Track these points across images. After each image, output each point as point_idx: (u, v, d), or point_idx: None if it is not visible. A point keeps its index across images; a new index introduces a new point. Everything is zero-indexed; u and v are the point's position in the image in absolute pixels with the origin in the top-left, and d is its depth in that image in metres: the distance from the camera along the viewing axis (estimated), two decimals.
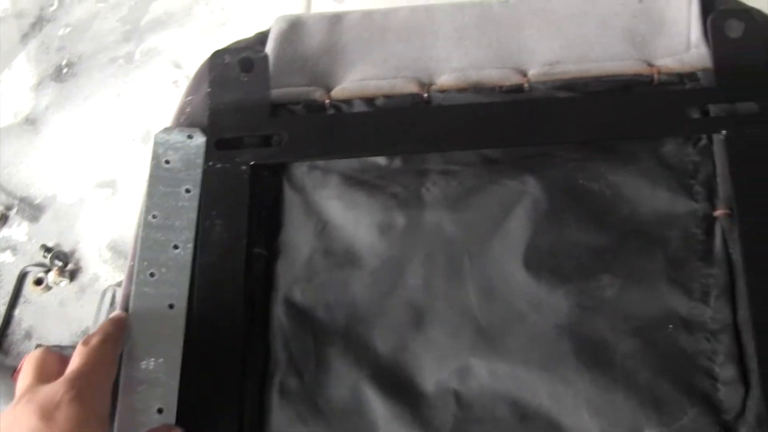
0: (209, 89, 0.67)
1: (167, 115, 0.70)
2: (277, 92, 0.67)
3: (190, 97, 0.70)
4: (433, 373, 0.59)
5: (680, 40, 0.66)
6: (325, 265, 0.63)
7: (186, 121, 0.68)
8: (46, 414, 0.50)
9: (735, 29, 0.62)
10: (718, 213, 0.60)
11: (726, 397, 0.55)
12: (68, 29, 1.53)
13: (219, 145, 0.65)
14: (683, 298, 0.58)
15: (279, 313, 0.62)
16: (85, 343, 0.55)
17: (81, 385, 0.52)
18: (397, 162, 0.65)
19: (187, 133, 0.65)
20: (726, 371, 0.56)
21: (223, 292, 0.61)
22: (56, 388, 0.51)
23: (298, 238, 0.64)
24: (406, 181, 0.64)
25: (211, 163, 0.64)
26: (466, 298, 0.60)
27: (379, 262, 0.62)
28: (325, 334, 0.61)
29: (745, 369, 0.56)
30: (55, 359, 0.55)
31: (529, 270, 0.60)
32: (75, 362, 0.54)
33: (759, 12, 0.65)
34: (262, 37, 0.73)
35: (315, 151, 0.65)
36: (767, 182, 0.59)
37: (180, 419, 0.58)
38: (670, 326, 0.57)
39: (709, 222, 0.60)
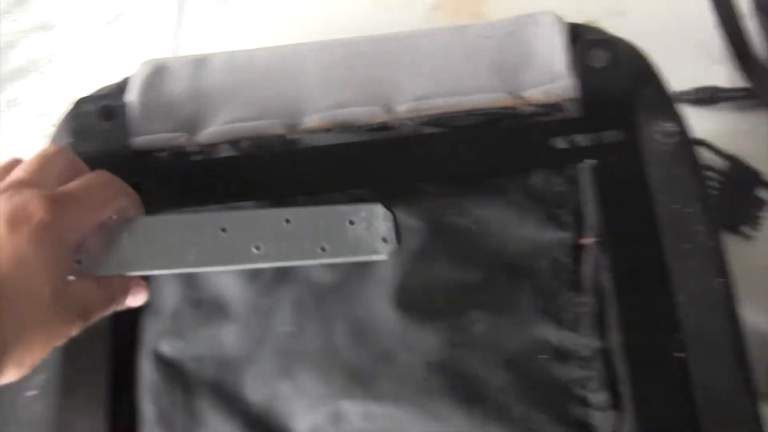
0: (71, 139, 0.65)
1: None
2: (140, 140, 0.65)
3: None
4: (306, 420, 0.58)
5: (547, 70, 0.67)
6: (193, 315, 0.61)
7: None
8: (14, 223, 0.47)
9: (599, 59, 0.63)
10: (586, 241, 0.60)
11: (600, 422, 0.56)
12: None
13: None
14: (554, 328, 0.58)
15: (147, 367, 0.60)
16: (99, 174, 0.53)
17: (61, 214, 0.49)
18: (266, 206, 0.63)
19: None
20: (599, 397, 0.56)
21: (87, 348, 0.59)
22: (36, 204, 0.48)
23: (164, 289, 0.62)
24: None
25: None
26: (336, 342, 0.59)
27: (247, 310, 0.61)
28: (196, 387, 0.59)
29: (618, 394, 0.56)
30: (67, 164, 0.54)
31: (398, 309, 0.59)
32: (74, 185, 0.52)
33: (622, 41, 0.66)
34: (126, 83, 0.71)
35: (180, 199, 0.63)
36: (633, 210, 0.60)
37: None
38: (542, 357, 0.58)
39: (578, 251, 0.60)
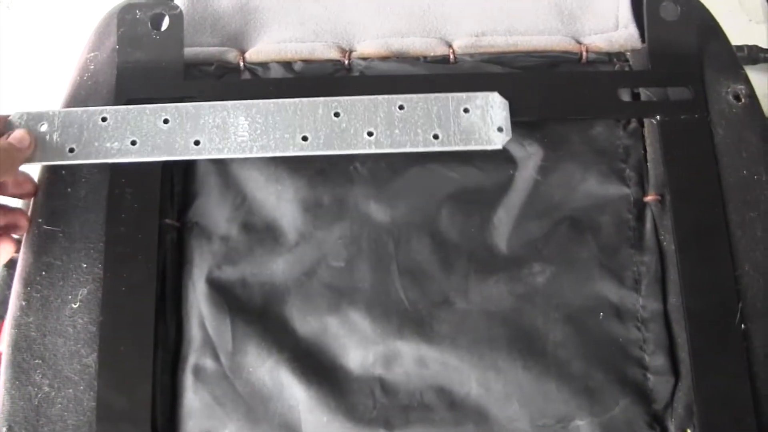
0: (117, 46, 0.62)
1: None
2: (189, 52, 0.63)
3: (93, 53, 0.64)
4: (356, 357, 0.56)
5: (608, 18, 0.65)
6: (243, 240, 0.59)
7: (90, 78, 0.62)
8: None
9: (670, 12, 0.62)
10: (648, 198, 0.59)
11: (656, 386, 0.55)
12: None
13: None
14: (614, 286, 0.57)
15: (193, 289, 0.58)
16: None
17: None
18: None
19: None
20: (656, 361, 0.56)
21: (134, 265, 0.56)
22: None
23: (213, 210, 0.60)
24: (333, 157, 0.60)
25: None
26: (391, 283, 0.58)
27: (301, 239, 0.59)
28: (242, 313, 0.57)
29: (675, 359, 0.56)
30: None
31: (458, 256, 0.58)
32: None
33: None
34: None
35: None
36: (699, 169, 0.59)
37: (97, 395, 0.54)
38: (601, 314, 0.57)
39: (640, 207, 0.59)
